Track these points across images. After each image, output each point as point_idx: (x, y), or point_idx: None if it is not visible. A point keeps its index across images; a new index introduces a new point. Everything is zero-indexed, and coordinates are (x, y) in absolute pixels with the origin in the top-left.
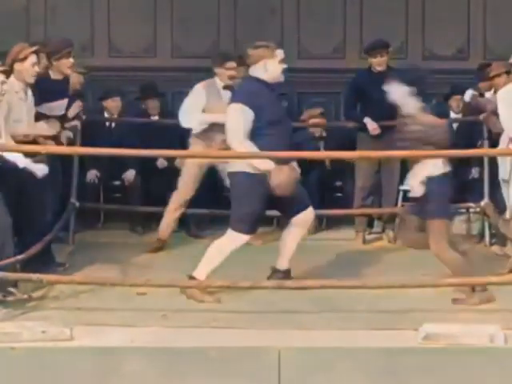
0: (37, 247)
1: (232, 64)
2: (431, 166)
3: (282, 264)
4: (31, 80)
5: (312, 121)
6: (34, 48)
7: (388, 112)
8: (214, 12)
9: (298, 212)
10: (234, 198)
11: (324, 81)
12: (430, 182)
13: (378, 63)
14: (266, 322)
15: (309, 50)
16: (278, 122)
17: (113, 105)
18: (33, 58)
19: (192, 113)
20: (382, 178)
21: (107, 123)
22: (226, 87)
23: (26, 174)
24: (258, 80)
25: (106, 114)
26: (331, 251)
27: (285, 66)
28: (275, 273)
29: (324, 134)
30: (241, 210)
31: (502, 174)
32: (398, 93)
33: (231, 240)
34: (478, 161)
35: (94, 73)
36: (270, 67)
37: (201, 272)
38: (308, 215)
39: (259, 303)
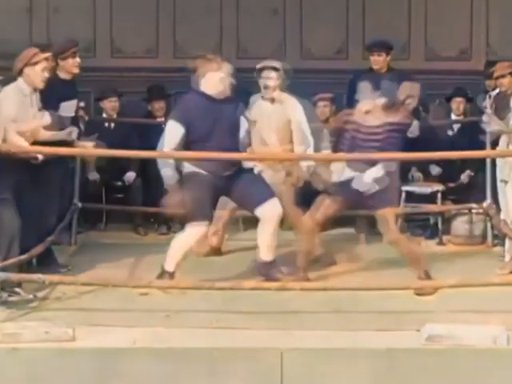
0: (39, 248)
1: None
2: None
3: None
4: (41, 85)
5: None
6: (46, 54)
7: None
8: (216, 12)
9: (258, 205)
10: None
11: (327, 81)
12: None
13: (374, 62)
14: (269, 322)
15: (311, 51)
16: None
17: (109, 105)
18: (44, 64)
19: None
20: None
21: (106, 124)
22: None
23: (33, 174)
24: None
25: (104, 115)
26: (333, 251)
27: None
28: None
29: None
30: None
31: (501, 174)
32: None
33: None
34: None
35: (97, 73)
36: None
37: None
38: (267, 209)
39: (262, 304)
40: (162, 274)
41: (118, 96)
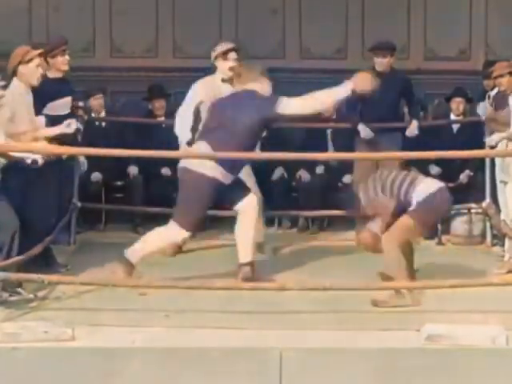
0: (38, 248)
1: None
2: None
3: (244, 257)
4: (35, 82)
5: None
6: (39, 51)
7: (387, 113)
8: (215, 12)
9: (239, 200)
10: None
11: (326, 81)
12: None
13: (379, 64)
14: (268, 322)
15: (311, 51)
16: None
17: (95, 103)
18: (37, 61)
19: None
20: None
21: (97, 122)
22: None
23: (32, 174)
24: None
25: (92, 114)
26: (333, 252)
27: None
28: (240, 267)
29: (334, 116)
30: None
31: (501, 175)
32: None
33: (171, 232)
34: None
35: (96, 73)
36: None
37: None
38: (248, 201)
39: (261, 304)
40: (123, 262)
41: (102, 92)
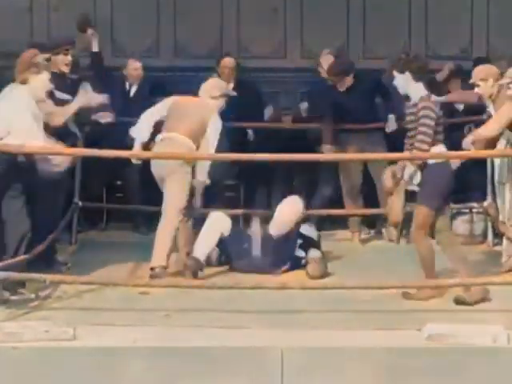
0: (41, 247)
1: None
2: None
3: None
4: (42, 96)
5: None
6: (45, 55)
7: (366, 119)
8: (217, 12)
9: None
10: None
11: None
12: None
13: (342, 84)
14: (269, 321)
15: (312, 50)
16: None
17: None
18: (48, 74)
19: None
20: (373, 178)
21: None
22: None
23: (39, 173)
24: None
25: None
26: (331, 251)
27: None
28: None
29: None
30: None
31: (499, 176)
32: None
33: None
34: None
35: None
36: None
37: None
38: None
39: (262, 303)
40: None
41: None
